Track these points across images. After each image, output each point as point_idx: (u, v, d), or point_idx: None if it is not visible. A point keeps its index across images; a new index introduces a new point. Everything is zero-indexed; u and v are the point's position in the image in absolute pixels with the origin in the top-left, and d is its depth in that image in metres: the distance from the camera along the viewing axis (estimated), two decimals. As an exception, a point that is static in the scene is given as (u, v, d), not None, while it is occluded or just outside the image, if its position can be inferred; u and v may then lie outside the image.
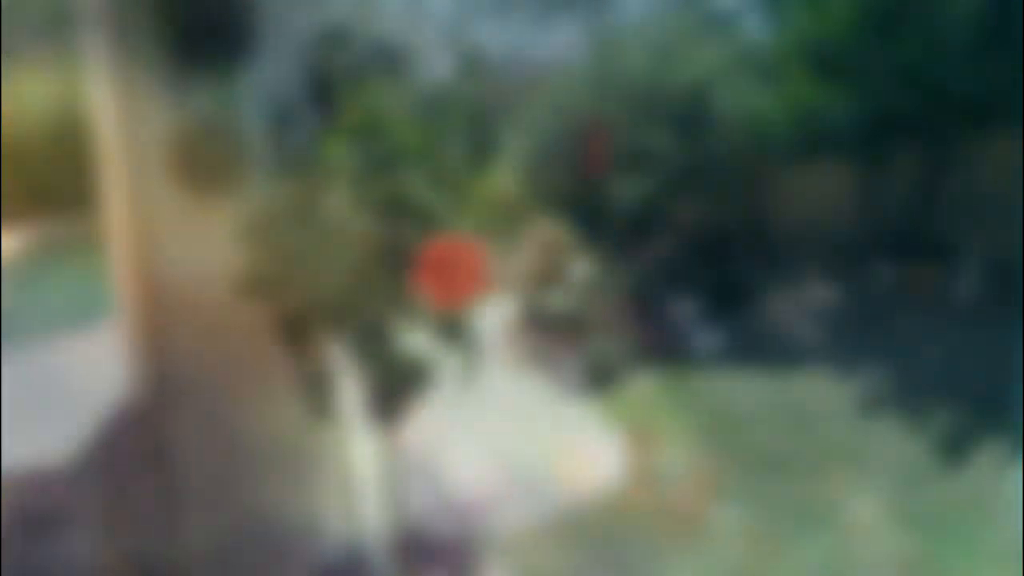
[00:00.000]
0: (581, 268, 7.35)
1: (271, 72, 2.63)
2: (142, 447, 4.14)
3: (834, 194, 8.26)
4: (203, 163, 2.41)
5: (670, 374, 5.37)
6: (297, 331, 2.94)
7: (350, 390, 3.20)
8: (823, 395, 4.96)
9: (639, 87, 6.42)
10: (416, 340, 3.33)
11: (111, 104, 3.51)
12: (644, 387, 5.19)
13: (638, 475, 3.96)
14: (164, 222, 2.45)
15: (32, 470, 3.90)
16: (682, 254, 6.97)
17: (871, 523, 3.39)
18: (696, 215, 6.30)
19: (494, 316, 6.03)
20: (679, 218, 6.76)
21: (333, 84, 4.17)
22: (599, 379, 5.20)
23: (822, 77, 6.03)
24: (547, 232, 6.84)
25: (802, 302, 6.78)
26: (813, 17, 5.88)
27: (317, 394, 2.94)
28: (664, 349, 5.56)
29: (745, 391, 5.13)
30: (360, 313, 3.21)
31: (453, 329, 2.21)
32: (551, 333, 5.94)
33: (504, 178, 2.47)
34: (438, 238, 3.36)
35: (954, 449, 4.11)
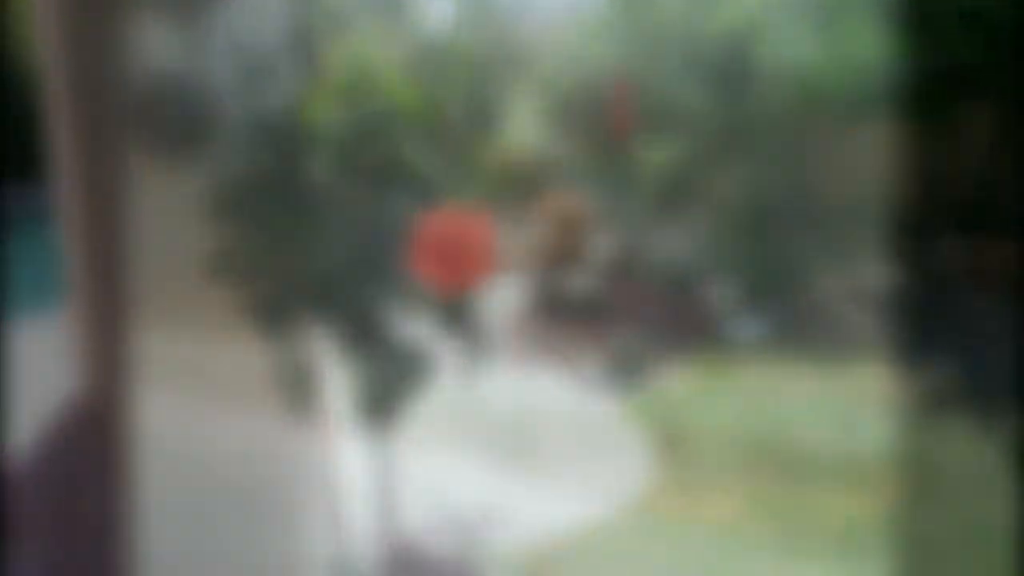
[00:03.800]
0: (604, 245, 7.01)
1: (243, 17, 2.25)
2: (94, 450, 3.86)
3: (893, 159, 7.74)
4: (168, 125, 2.08)
5: (705, 368, 4.98)
6: (275, 319, 2.78)
7: (336, 386, 3.01)
8: (879, 392, 4.56)
9: (670, 36, 5.90)
10: (412, 328, 3.11)
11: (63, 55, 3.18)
12: (675, 383, 4.85)
13: (666, 481, 3.66)
14: (123, 193, 2.11)
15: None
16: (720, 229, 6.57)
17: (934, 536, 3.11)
18: (736, 184, 5.84)
19: (502, 300, 5.75)
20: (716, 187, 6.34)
21: (315, 32, 3.90)
22: (624, 373, 4.80)
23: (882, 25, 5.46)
24: (564, 203, 6.47)
25: (857, 285, 6.35)
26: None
27: (298, 390, 2.69)
28: (699, 339, 5.18)
29: (790, 388, 4.70)
30: (348, 298, 3.01)
31: (455, 316, 1.90)
32: (568, 321, 5.60)
33: (514, 140, 2.22)
34: (438, 210, 3.09)
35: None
